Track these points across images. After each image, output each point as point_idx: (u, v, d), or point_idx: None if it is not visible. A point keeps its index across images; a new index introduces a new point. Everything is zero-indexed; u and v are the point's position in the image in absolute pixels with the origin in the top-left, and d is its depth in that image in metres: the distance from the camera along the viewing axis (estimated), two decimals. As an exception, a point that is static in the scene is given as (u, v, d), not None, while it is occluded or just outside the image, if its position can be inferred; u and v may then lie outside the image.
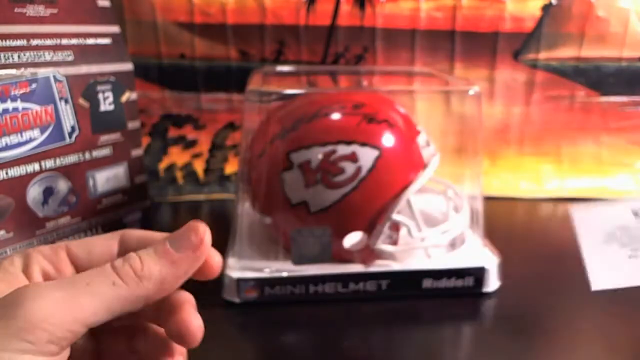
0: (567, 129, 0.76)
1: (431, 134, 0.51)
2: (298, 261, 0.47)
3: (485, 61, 0.73)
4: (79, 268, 0.28)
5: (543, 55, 0.73)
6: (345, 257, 0.48)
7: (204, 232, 0.26)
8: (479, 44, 0.72)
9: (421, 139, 0.49)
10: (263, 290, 0.46)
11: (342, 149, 0.44)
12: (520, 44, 0.72)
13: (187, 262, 0.26)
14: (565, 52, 0.73)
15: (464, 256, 0.49)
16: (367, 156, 0.45)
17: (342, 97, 0.49)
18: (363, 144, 0.45)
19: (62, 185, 0.52)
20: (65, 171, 0.52)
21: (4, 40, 0.46)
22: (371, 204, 0.46)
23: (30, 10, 0.49)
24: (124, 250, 0.28)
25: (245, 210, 0.51)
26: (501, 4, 0.70)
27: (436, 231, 0.49)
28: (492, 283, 0.49)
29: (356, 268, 0.47)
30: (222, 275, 0.44)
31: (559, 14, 0.71)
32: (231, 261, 0.48)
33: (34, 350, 0.22)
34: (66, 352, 0.24)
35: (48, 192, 0.51)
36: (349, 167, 0.44)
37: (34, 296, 0.23)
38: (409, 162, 0.47)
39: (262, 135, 0.48)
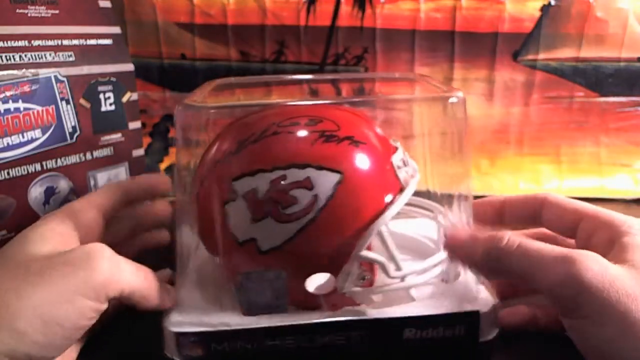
0: (566, 129, 0.76)
1: (410, 148, 0.44)
2: (248, 311, 0.39)
3: (485, 62, 0.73)
4: None
5: (542, 55, 0.73)
6: (310, 302, 0.40)
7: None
8: (478, 45, 0.72)
9: (396, 158, 0.40)
10: (209, 346, 0.38)
11: (294, 174, 0.37)
12: (520, 45, 0.73)
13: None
14: (564, 53, 0.73)
15: (453, 296, 0.40)
16: (324, 182, 0.37)
17: (298, 111, 0.41)
18: (319, 167, 0.37)
19: (64, 186, 0.52)
20: (66, 171, 0.52)
21: (5, 41, 0.47)
22: (333, 240, 0.38)
23: (32, 11, 0.49)
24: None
25: (195, 245, 0.44)
26: (500, 4, 0.71)
27: (421, 266, 0.40)
28: (489, 330, 0.39)
29: (320, 317, 0.39)
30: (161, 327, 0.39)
31: (558, 14, 0.71)
32: (172, 312, 0.39)
33: (98, 300, 0.33)
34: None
35: (49, 192, 0.51)
36: (303, 196, 0.37)
37: (110, 263, 0.35)
38: (380, 185, 0.39)
39: (206, 157, 0.41)
